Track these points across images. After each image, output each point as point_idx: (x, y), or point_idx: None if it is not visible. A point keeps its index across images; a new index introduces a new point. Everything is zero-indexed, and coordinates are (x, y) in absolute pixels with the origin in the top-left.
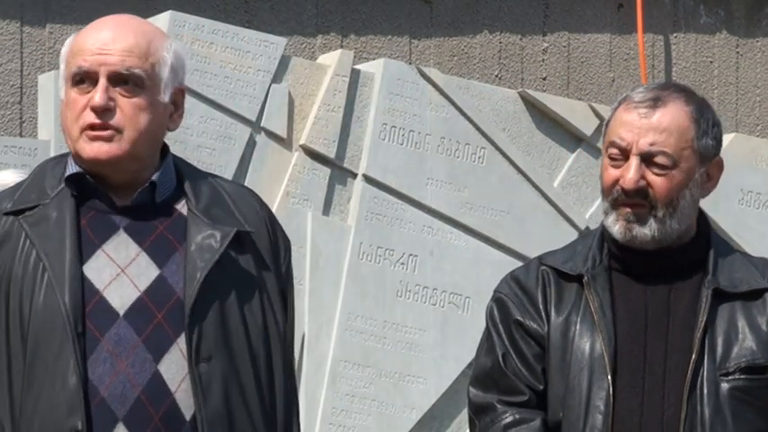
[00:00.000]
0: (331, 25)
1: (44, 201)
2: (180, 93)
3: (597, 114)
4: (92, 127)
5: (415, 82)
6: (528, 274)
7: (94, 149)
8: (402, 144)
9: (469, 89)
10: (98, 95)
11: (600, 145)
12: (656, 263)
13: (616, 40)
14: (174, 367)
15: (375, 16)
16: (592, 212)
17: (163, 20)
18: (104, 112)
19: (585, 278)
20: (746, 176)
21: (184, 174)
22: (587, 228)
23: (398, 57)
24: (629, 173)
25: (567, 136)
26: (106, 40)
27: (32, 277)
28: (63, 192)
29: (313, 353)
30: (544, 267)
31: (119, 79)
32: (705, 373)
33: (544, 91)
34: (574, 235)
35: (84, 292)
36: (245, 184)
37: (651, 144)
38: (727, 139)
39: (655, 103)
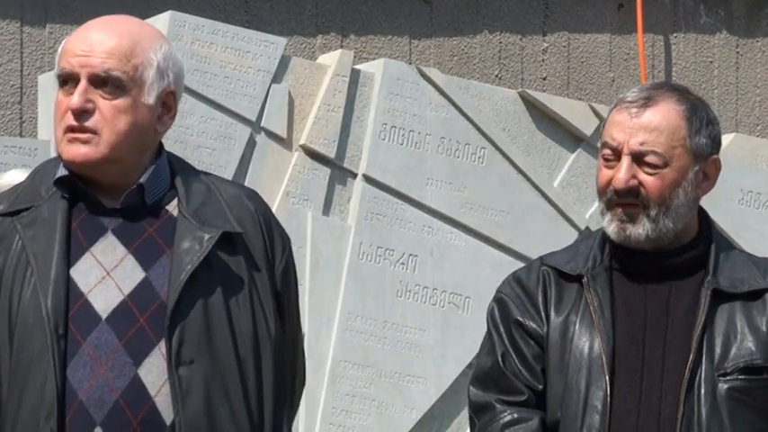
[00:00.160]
0: (331, 25)
1: (37, 202)
2: (171, 95)
3: (597, 114)
4: (71, 129)
5: (415, 82)
6: (529, 274)
7: (72, 152)
8: (402, 144)
9: (469, 89)
10: (75, 97)
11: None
12: (655, 263)
13: (616, 40)
14: (155, 371)
15: (375, 16)
16: (592, 212)
17: (163, 20)
18: (82, 114)
19: (585, 278)
20: (746, 176)
21: (178, 174)
22: (587, 228)
23: (398, 57)
24: (620, 173)
25: (567, 136)
26: (90, 41)
27: (21, 278)
28: (55, 193)
29: (313, 353)
30: (545, 268)
31: (99, 81)
32: (703, 374)
33: (544, 91)
34: (574, 235)
35: (69, 295)
36: (245, 184)
37: (641, 143)
38: (727, 139)
39: (646, 102)
